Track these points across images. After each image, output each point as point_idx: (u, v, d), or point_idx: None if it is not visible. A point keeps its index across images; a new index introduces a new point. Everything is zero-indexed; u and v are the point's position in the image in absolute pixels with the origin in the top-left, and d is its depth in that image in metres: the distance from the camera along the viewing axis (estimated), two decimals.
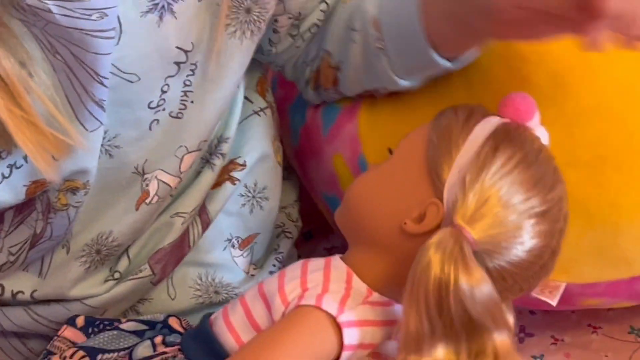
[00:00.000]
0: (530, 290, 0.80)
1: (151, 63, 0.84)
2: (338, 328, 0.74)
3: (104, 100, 0.81)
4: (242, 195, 1.02)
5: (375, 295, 0.79)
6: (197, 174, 0.97)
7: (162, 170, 0.92)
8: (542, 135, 0.80)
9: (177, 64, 0.86)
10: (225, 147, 0.98)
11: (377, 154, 1.02)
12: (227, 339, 0.80)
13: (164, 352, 0.82)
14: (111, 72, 0.81)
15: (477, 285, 0.71)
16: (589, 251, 0.93)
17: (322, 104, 1.08)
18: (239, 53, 0.91)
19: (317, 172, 1.11)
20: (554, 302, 0.91)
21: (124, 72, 0.83)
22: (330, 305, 0.75)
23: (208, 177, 0.97)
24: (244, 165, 1.00)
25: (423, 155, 0.79)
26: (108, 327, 0.87)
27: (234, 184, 0.99)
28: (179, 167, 0.93)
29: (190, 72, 0.88)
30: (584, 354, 1.07)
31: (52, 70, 0.78)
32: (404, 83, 0.95)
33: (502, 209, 0.74)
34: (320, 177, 1.10)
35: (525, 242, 0.75)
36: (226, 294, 1.00)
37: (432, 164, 0.77)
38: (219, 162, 0.98)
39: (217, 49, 0.88)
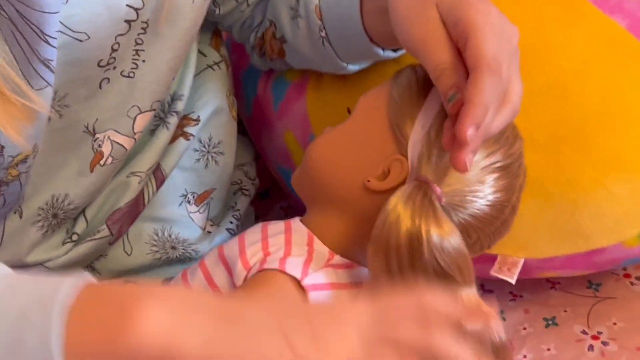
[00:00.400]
0: (490, 247, 0.80)
1: (101, 21, 0.82)
2: (303, 292, 0.74)
3: (51, 60, 0.79)
4: (197, 150, 1.01)
5: (337, 258, 0.78)
6: (152, 132, 0.96)
7: (115, 130, 0.90)
8: None
9: (128, 22, 0.84)
10: (179, 105, 0.97)
11: None
12: None
13: None
14: (60, 31, 0.79)
15: (447, 237, 0.72)
16: (547, 228, 0.94)
17: (271, 76, 1.08)
18: (191, 12, 0.89)
19: (270, 145, 1.10)
20: (512, 280, 0.92)
21: (73, 31, 0.81)
22: (294, 268, 0.74)
23: (163, 135, 0.96)
24: (197, 120, 0.99)
25: (385, 112, 0.78)
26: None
27: (188, 140, 0.98)
28: (132, 128, 0.91)
29: (142, 31, 0.86)
30: (543, 309, 1.08)
31: None
32: (352, 68, 0.95)
33: None
34: (273, 150, 1.10)
35: (488, 195, 0.75)
36: (183, 249, 0.98)
37: (395, 120, 0.77)
38: (173, 120, 0.97)
39: (168, 7, 0.86)
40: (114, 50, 0.85)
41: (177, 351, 0.57)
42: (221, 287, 0.78)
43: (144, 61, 0.88)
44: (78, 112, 0.87)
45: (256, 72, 1.10)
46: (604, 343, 1.03)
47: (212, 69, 1.02)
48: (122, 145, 0.91)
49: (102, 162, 0.90)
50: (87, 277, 0.91)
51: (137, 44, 0.86)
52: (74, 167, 0.90)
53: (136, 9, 0.84)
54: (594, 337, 1.03)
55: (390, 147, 0.76)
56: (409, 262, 0.72)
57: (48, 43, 0.77)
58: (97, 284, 0.62)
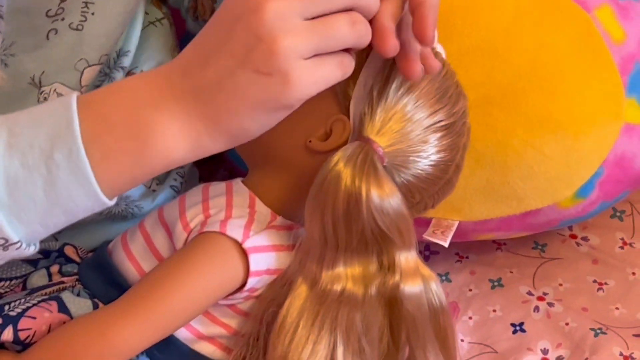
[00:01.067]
0: (434, 207, 0.79)
1: None
2: (244, 254, 0.73)
3: (1, 6, 0.77)
4: None
5: (280, 219, 0.77)
6: (97, 87, 0.94)
7: (61, 83, 0.89)
8: (440, 51, 0.79)
9: None
10: (125, 61, 0.95)
11: None
12: (128, 268, 0.78)
13: (61, 282, 0.79)
14: None
15: (388, 198, 0.71)
16: (480, 190, 0.93)
17: None
18: None
19: None
20: (445, 243, 0.90)
21: None
22: (235, 231, 0.73)
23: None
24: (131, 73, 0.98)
25: None
26: None
27: None
28: (80, 81, 0.90)
29: None
30: (489, 270, 1.07)
31: None
32: None
33: (408, 123, 0.73)
34: None
35: (431, 155, 0.74)
36: (125, 205, 0.97)
37: None
38: (119, 76, 0.95)
39: None
40: (62, 1, 0.83)
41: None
42: (161, 250, 0.77)
43: (93, 14, 0.87)
44: (24, 63, 0.85)
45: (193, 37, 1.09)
46: (550, 304, 1.02)
47: (155, 25, 1.00)
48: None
49: None
50: None
51: None
52: None
53: None
54: (540, 298, 1.03)
55: (332, 107, 0.75)
56: (344, 222, 0.71)
57: None
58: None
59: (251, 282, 0.73)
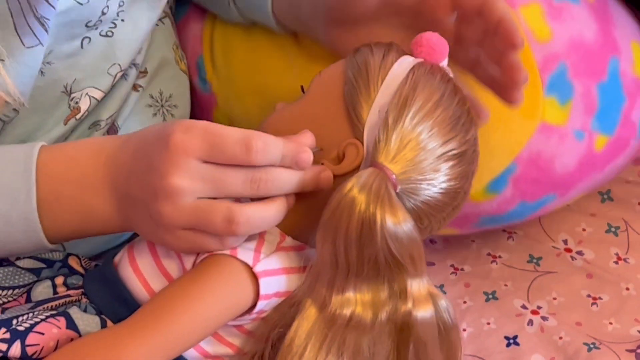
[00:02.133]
0: (439, 230, 0.80)
1: None
2: (254, 278, 0.73)
3: (48, 20, 0.80)
4: (151, 106, 1.02)
5: (289, 240, 0.78)
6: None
7: (94, 87, 0.92)
8: (448, 72, 0.80)
9: None
10: (138, 58, 0.98)
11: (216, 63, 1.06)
12: (135, 285, 0.78)
13: (67, 295, 0.79)
14: None
15: (401, 224, 0.71)
16: None
17: None
18: None
19: None
20: None
21: None
22: (245, 254, 0.73)
23: (123, 87, 0.97)
24: (145, 72, 1.00)
25: (340, 94, 0.77)
26: (5, 263, 0.84)
27: (137, 91, 0.99)
28: (111, 84, 0.93)
29: None
30: (484, 283, 1.08)
31: None
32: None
33: (422, 152, 0.73)
34: None
35: (442, 183, 0.75)
36: None
37: (351, 104, 0.76)
38: (132, 73, 0.98)
39: None
40: (103, 14, 0.87)
41: None
42: (169, 269, 0.77)
43: (122, 20, 0.90)
44: (59, 71, 0.89)
45: None
46: (544, 318, 1.03)
47: (156, 25, 1.02)
48: (96, 99, 0.93)
49: (78, 117, 0.93)
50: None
51: (119, 6, 0.89)
52: (49, 126, 0.92)
53: None
54: (534, 312, 1.04)
55: (346, 131, 0.76)
56: (357, 247, 0.71)
57: (47, 1, 0.78)
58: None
59: (260, 305, 0.74)
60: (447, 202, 0.76)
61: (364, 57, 0.78)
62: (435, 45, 0.78)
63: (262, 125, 0.81)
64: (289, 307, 0.75)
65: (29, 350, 0.72)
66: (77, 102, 0.92)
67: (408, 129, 0.73)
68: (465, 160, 0.76)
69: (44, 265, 0.84)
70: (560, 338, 1.00)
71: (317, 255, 0.73)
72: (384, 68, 0.76)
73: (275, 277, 0.74)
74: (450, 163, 0.75)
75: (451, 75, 0.79)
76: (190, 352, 0.76)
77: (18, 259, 0.84)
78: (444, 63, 0.79)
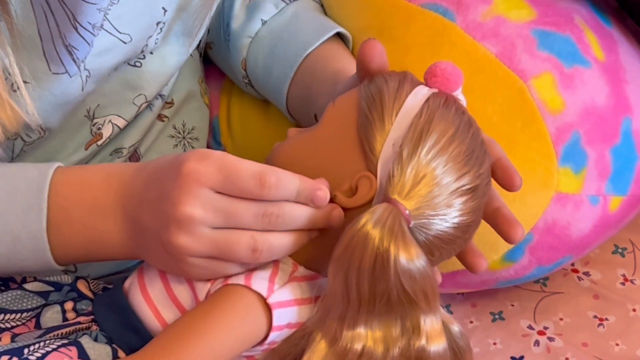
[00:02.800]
0: (448, 259, 0.79)
1: (142, 23, 0.86)
2: (267, 308, 0.73)
3: (76, 50, 0.81)
4: (173, 137, 1.03)
5: (301, 270, 0.77)
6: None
7: (118, 115, 0.93)
8: (463, 100, 0.79)
9: (157, 23, 0.88)
10: (165, 89, 0.99)
11: (232, 127, 1.08)
12: (146, 313, 0.77)
13: (78, 322, 0.79)
14: (107, 31, 0.83)
15: (414, 261, 0.71)
16: None
17: None
18: (204, 12, 0.92)
19: None
20: None
21: (120, 32, 0.84)
22: (259, 284, 0.73)
23: (147, 116, 0.98)
24: (171, 103, 1.01)
25: (353, 126, 0.76)
26: (13, 287, 0.84)
27: (163, 121, 1.00)
28: (135, 114, 0.94)
29: (159, 30, 0.89)
30: (490, 303, 1.08)
31: (29, 7, 0.78)
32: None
33: (436, 188, 0.72)
34: None
35: (455, 218, 0.74)
36: None
37: (365, 136, 0.75)
38: (158, 103, 0.99)
39: (183, 5, 0.91)
40: (142, 52, 0.89)
41: None
42: (181, 298, 0.77)
43: (151, 53, 0.91)
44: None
45: None
46: (550, 338, 1.03)
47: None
48: (119, 127, 0.94)
49: (99, 143, 0.94)
50: None
51: (155, 43, 0.90)
52: (69, 149, 0.93)
53: (165, 11, 0.88)
54: (540, 333, 1.03)
55: (359, 163, 0.75)
56: (369, 283, 0.70)
57: (76, 30, 0.80)
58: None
59: (272, 336, 0.74)
60: (459, 236, 0.75)
61: (378, 88, 0.76)
62: (450, 75, 0.76)
63: (274, 152, 0.80)
64: (299, 339, 0.74)
65: None
66: (99, 128, 0.92)
67: (423, 163, 0.72)
68: (478, 194, 0.75)
69: (52, 289, 0.83)
70: (567, 359, 1.00)
71: (329, 289, 0.72)
72: (399, 100, 0.75)
73: (288, 309, 0.74)
74: (464, 198, 0.74)
75: (465, 103, 0.79)
76: None
77: (25, 281, 0.84)
78: (459, 92, 0.78)
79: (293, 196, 0.72)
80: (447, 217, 0.73)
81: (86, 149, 0.93)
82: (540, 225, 0.95)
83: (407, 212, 0.71)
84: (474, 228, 0.77)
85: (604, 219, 0.98)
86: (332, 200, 0.75)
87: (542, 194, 0.94)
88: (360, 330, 0.72)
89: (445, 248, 0.75)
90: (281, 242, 0.73)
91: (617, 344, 1.01)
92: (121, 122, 0.93)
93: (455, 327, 0.76)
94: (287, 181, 0.72)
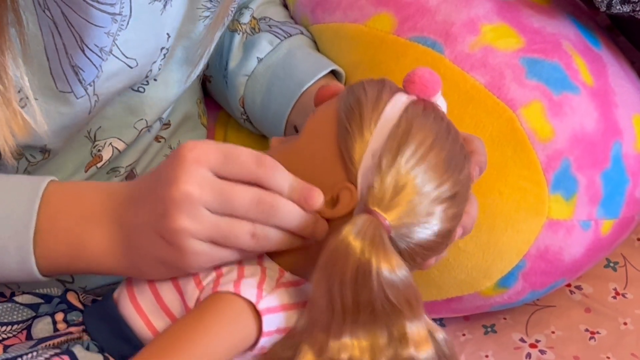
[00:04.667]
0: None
1: (148, 48, 0.87)
2: (257, 315, 0.74)
3: (82, 71, 0.81)
4: None
5: (287, 275, 0.78)
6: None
7: (118, 138, 0.94)
8: (442, 104, 0.79)
9: (162, 49, 0.88)
10: (165, 113, 0.99)
11: None
12: (136, 322, 0.78)
13: (69, 333, 0.80)
14: (115, 56, 0.83)
15: (396, 271, 0.71)
16: None
17: None
18: (206, 42, 0.93)
19: None
20: None
21: (127, 57, 0.85)
22: (248, 291, 0.74)
23: (146, 138, 0.98)
24: (168, 124, 1.02)
25: (333, 137, 0.76)
26: (2, 300, 0.85)
27: (159, 142, 1.01)
28: (135, 137, 0.95)
29: (163, 56, 0.90)
30: (483, 316, 1.08)
31: (37, 24, 0.79)
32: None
33: (416, 196, 0.73)
34: None
35: (435, 226, 0.74)
36: None
37: (344, 147, 0.75)
38: (156, 126, 0.99)
39: (185, 32, 0.91)
40: (146, 77, 0.89)
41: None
42: (171, 306, 0.77)
43: (155, 80, 0.92)
44: (85, 119, 0.89)
45: None
46: (542, 351, 1.04)
47: None
48: (118, 149, 0.94)
49: (99, 165, 0.94)
50: None
51: (159, 68, 0.91)
52: (69, 169, 0.94)
53: (168, 36, 0.88)
54: (532, 345, 1.04)
55: (340, 174, 0.75)
56: (352, 294, 0.71)
57: (83, 52, 0.80)
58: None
59: (263, 341, 0.74)
60: (439, 242, 0.76)
61: (356, 97, 0.77)
62: (428, 82, 0.77)
63: None
64: (287, 348, 0.75)
65: None
66: (99, 150, 0.93)
67: (402, 173, 0.73)
68: (458, 200, 0.76)
69: (42, 301, 0.84)
70: None
71: (313, 299, 0.73)
72: (377, 110, 0.75)
73: (277, 314, 0.75)
74: (444, 205, 0.74)
75: (445, 107, 0.79)
76: None
77: (14, 295, 0.85)
78: (438, 96, 0.78)
79: (287, 187, 0.73)
80: (428, 225, 0.74)
81: (86, 171, 0.94)
82: (532, 251, 0.96)
83: (387, 222, 0.72)
84: (454, 233, 0.77)
85: (596, 243, 0.99)
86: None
87: (534, 221, 0.94)
88: (346, 340, 0.73)
89: (427, 254, 0.76)
90: (276, 235, 0.74)
91: (608, 357, 1.02)
92: (121, 146, 0.94)
93: (440, 335, 0.76)
94: (282, 169, 0.73)
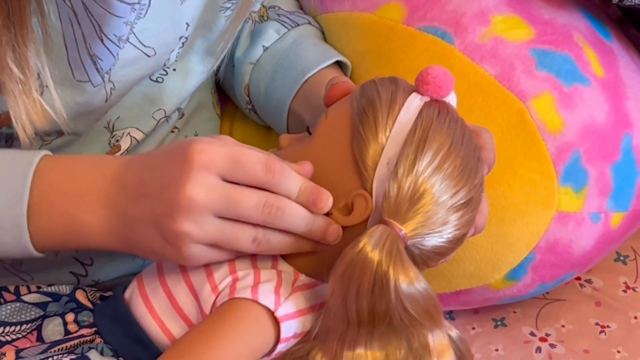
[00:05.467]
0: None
1: (166, 38, 0.87)
2: (275, 321, 0.73)
3: (100, 60, 0.82)
4: None
5: (302, 277, 0.77)
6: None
7: (137, 128, 0.94)
8: (453, 100, 0.78)
9: (180, 38, 0.89)
10: (183, 103, 0.99)
11: None
12: (150, 325, 0.78)
13: (81, 335, 0.79)
14: (132, 44, 0.84)
15: (414, 283, 0.71)
16: None
17: None
18: (229, 34, 0.93)
19: None
20: None
21: (144, 46, 0.85)
22: (266, 297, 0.73)
23: (164, 129, 0.98)
24: (182, 114, 1.02)
25: (347, 142, 0.75)
26: (10, 300, 0.84)
27: (173, 132, 1.01)
28: (154, 127, 0.95)
29: (181, 45, 0.90)
30: (493, 309, 1.08)
31: (57, 14, 0.79)
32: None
33: (433, 206, 0.72)
34: None
35: (450, 233, 0.74)
36: None
37: (359, 154, 0.74)
38: (174, 116, 0.99)
39: (205, 23, 0.91)
40: (164, 66, 0.89)
41: None
42: (186, 310, 0.77)
43: (174, 70, 0.92)
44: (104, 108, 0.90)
45: None
46: (552, 345, 1.03)
47: None
48: (137, 139, 0.94)
49: (117, 155, 0.93)
50: None
51: (176, 57, 0.91)
52: None
53: (187, 25, 0.88)
54: (542, 339, 1.04)
55: (354, 181, 0.74)
56: (368, 305, 0.71)
57: (102, 42, 0.81)
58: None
59: (280, 347, 0.74)
60: (452, 247, 0.75)
61: (370, 100, 0.75)
62: (442, 82, 0.75)
63: None
64: (303, 352, 0.75)
65: None
66: (117, 140, 0.93)
67: (419, 183, 0.71)
68: (472, 206, 0.75)
69: (50, 299, 0.84)
70: None
71: (328, 308, 0.73)
72: (392, 114, 0.74)
73: (295, 320, 0.75)
74: (460, 213, 0.74)
75: (455, 102, 0.78)
76: None
77: (20, 293, 0.85)
78: (451, 95, 0.77)
79: (295, 191, 0.73)
80: (443, 233, 0.73)
81: None
82: (542, 244, 0.95)
83: (404, 233, 0.71)
84: (466, 237, 0.77)
85: (606, 236, 0.98)
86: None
87: (544, 213, 0.94)
88: (361, 351, 0.73)
89: (439, 258, 0.76)
90: (280, 239, 0.74)
91: (618, 351, 1.02)
92: (139, 135, 0.94)
93: (454, 333, 0.76)
94: (291, 173, 0.73)
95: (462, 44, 0.94)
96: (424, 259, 0.74)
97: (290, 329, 0.74)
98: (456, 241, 0.75)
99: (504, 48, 0.94)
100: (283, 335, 0.73)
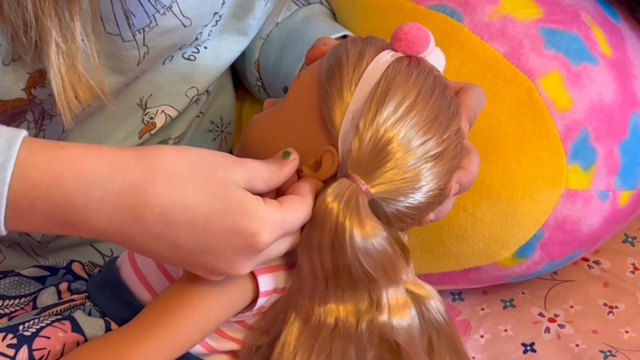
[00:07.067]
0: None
1: (203, 10, 0.87)
2: (253, 275, 0.74)
3: (134, 16, 0.82)
4: (211, 131, 1.05)
5: None
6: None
7: (170, 106, 0.94)
8: (438, 57, 0.77)
9: (215, 14, 0.89)
10: (212, 85, 1.00)
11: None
12: (137, 286, 0.79)
13: (72, 300, 0.81)
14: (174, 13, 0.84)
15: (370, 238, 0.71)
16: (416, 247, 0.95)
17: None
18: (260, 12, 0.93)
19: None
20: None
21: (183, 15, 0.85)
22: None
23: (193, 110, 0.99)
24: (208, 95, 1.03)
25: (315, 100, 0.75)
26: (10, 274, 0.86)
27: (199, 117, 1.02)
28: (186, 106, 0.96)
29: (215, 23, 0.90)
30: (501, 290, 1.09)
31: None
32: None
33: (400, 157, 0.72)
34: None
35: (423, 187, 0.73)
36: None
37: (325, 110, 0.74)
38: (203, 98, 1.00)
39: (243, 5, 0.92)
40: (195, 40, 0.89)
41: None
42: (170, 269, 0.77)
43: (205, 48, 0.93)
44: (138, 83, 0.91)
45: None
46: (560, 325, 1.04)
47: None
48: (170, 117, 0.95)
49: (152, 132, 0.95)
50: None
51: (209, 34, 0.91)
52: (119, 137, 0.94)
53: (223, 3, 0.89)
54: (551, 320, 1.05)
55: (321, 137, 0.74)
56: (331, 258, 0.71)
57: (147, 14, 0.82)
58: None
59: (260, 301, 0.75)
60: (430, 202, 0.74)
61: (337, 59, 0.75)
62: (414, 38, 0.74)
63: (250, 125, 0.81)
64: (276, 315, 0.76)
65: (36, 355, 0.74)
66: (151, 118, 0.94)
67: (380, 133, 0.71)
68: (446, 158, 0.74)
69: (48, 273, 0.85)
70: (577, 346, 1.01)
71: (299, 264, 0.73)
72: (358, 71, 0.74)
73: (272, 274, 0.75)
74: (429, 165, 0.73)
75: (443, 61, 0.77)
76: (197, 348, 0.77)
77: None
78: (431, 51, 0.76)
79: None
80: (416, 185, 0.73)
81: (140, 137, 0.94)
82: (550, 221, 0.96)
83: (366, 187, 0.71)
84: (445, 192, 0.75)
85: (614, 214, 0.99)
86: (299, 175, 0.75)
87: (552, 191, 0.94)
88: (332, 305, 0.73)
89: (418, 215, 0.75)
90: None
91: (626, 331, 1.03)
92: (173, 113, 0.95)
93: (432, 303, 0.76)
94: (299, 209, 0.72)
95: (471, 22, 0.95)
96: (398, 216, 0.73)
97: (269, 282, 0.75)
98: (433, 196, 0.74)
99: (513, 27, 0.95)
100: (262, 289, 0.74)
